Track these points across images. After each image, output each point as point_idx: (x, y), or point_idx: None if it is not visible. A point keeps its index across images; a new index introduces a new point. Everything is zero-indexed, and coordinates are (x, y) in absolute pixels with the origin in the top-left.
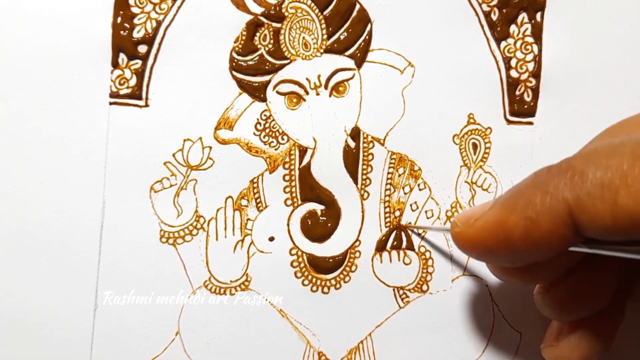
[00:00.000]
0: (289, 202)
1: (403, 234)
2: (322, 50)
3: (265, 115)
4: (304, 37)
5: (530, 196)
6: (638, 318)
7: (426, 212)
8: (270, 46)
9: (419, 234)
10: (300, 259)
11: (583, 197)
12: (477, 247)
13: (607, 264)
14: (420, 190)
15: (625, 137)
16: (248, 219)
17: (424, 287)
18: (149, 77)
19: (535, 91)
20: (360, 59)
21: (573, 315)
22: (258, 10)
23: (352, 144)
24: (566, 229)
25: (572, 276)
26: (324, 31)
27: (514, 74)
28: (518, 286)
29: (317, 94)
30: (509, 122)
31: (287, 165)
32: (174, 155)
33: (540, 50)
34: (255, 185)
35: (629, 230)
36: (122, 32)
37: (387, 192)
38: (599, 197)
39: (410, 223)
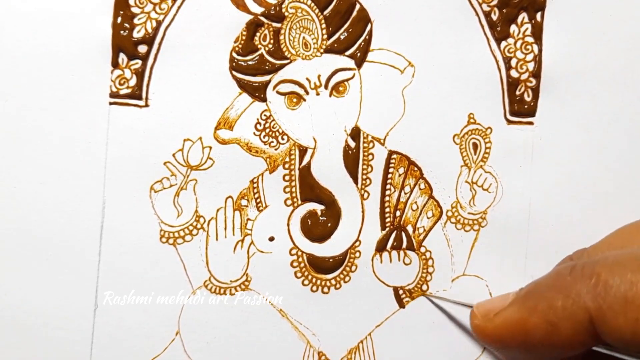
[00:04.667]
0: (289, 202)
1: (403, 234)
2: (322, 50)
3: (265, 115)
4: (304, 37)
5: (551, 299)
6: None
7: (426, 212)
8: (270, 46)
9: (437, 305)
10: (300, 259)
11: (605, 309)
12: (496, 342)
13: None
14: (420, 190)
15: None
16: (248, 219)
17: (424, 287)
18: (149, 77)
19: (536, 91)
20: (360, 59)
21: None
22: (258, 10)
23: (352, 144)
24: (586, 335)
25: None
26: (324, 31)
27: (514, 73)
28: None
29: (317, 93)
30: (509, 122)
31: (287, 165)
32: (174, 155)
33: (540, 50)
34: (255, 185)
35: None
36: (122, 32)
37: (387, 192)
38: (622, 312)
39: (431, 293)
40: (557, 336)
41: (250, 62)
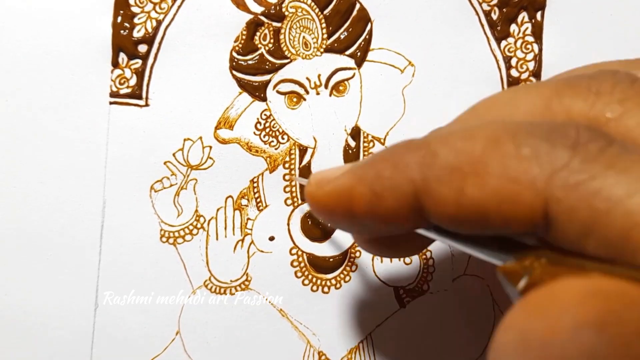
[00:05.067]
0: (289, 201)
1: None
2: (322, 50)
3: (265, 114)
4: (304, 37)
5: (380, 169)
6: None
7: None
8: (270, 45)
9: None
10: (300, 259)
11: (431, 179)
12: (324, 211)
13: None
14: None
15: (487, 120)
16: (248, 219)
17: (424, 287)
18: (149, 77)
19: None
20: (360, 59)
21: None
22: (258, 9)
23: (353, 144)
24: (410, 209)
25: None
26: (324, 30)
27: (514, 73)
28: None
29: (317, 93)
30: None
31: (287, 165)
32: (174, 154)
33: (540, 50)
34: (255, 184)
35: (472, 222)
36: (122, 31)
37: None
38: (447, 181)
39: (293, 175)
40: (380, 207)
41: (250, 62)
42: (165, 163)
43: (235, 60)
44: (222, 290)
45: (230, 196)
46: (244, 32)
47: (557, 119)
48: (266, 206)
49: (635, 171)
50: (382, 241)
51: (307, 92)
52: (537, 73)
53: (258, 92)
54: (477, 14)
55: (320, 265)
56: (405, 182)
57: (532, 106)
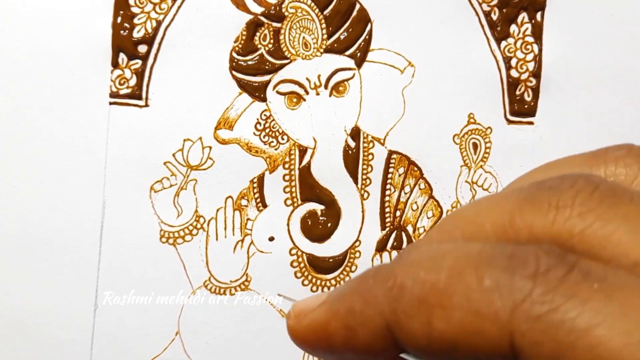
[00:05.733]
0: (289, 202)
1: (403, 234)
2: (322, 50)
3: (265, 115)
4: (304, 37)
5: (351, 303)
6: None
7: (426, 212)
8: (270, 46)
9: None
10: (300, 259)
11: (400, 313)
12: (305, 345)
13: None
14: (420, 190)
15: (451, 245)
16: (248, 219)
17: None
18: (149, 77)
19: (536, 91)
20: (360, 59)
21: None
22: (258, 10)
23: (352, 144)
24: (385, 342)
25: None
26: (324, 31)
27: (514, 73)
28: None
29: (317, 93)
30: (510, 121)
31: (287, 165)
32: (174, 155)
33: (540, 50)
34: (255, 185)
35: (444, 352)
36: (122, 32)
37: (387, 192)
38: (416, 315)
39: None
40: (356, 342)
41: (250, 62)
42: (165, 163)
43: (235, 60)
44: (222, 290)
45: (230, 196)
46: (244, 33)
47: (520, 237)
48: (266, 206)
49: (596, 301)
50: None
51: (307, 93)
52: (537, 73)
53: (258, 93)
54: (477, 14)
55: (320, 265)
56: (377, 316)
57: (497, 224)
